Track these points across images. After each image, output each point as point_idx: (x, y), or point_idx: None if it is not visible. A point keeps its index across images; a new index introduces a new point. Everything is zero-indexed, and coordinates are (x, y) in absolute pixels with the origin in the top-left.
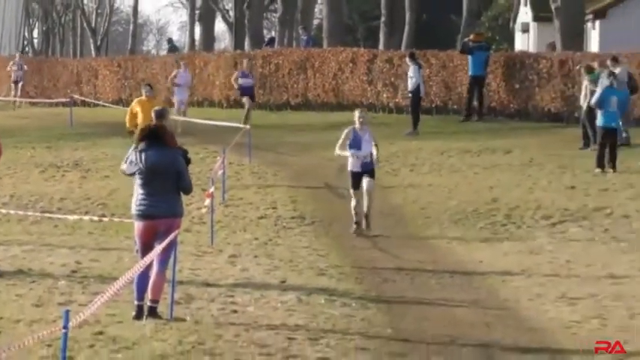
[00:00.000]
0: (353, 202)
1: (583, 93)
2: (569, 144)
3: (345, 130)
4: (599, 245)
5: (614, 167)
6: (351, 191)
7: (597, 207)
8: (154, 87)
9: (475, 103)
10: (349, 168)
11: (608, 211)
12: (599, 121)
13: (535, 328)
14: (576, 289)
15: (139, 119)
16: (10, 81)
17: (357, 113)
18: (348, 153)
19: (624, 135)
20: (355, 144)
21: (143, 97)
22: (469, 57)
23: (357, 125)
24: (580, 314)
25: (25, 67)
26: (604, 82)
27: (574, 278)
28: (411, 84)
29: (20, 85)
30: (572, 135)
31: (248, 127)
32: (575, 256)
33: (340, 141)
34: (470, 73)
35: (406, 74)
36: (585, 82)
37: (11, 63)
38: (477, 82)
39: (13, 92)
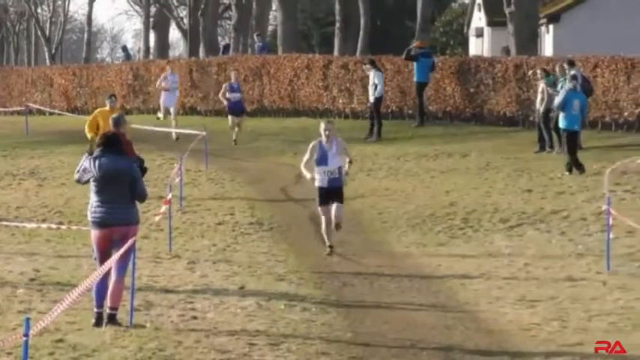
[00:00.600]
0: (323, 225)
1: (539, 97)
2: (525, 147)
3: (311, 145)
4: (556, 248)
5: (570, 170)
6: (319, 209)
7: (554, 210)
8: (117, 97)
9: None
10: (316, 183)
11: (564, 214)
12: (562, 124)
13: (495, 331)
14: (535, 291)
15: (101, 130)
16: None
17: (322, 125)
18: (308, 176)
19: None
20: (322, 159)
21: (106, 108)
22: (414, 64)
23: (323, 139)
24: (539, 316)
25: None
26: (567, 85)
27: (532, 281)
28: (376, 91)
29: None
30: (527, 138)
31: (204, 133)
32: (533, 259)
33: (305, 157)
34: (415, 79)
35: (360, 80)
36: (542, 86)
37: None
38: (422, 88)
39: None
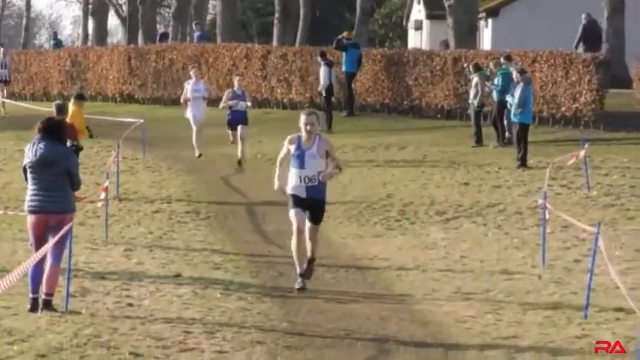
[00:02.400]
0: (293, 241)
1: (473, 91)
2: (462, 140)
3: (287, 138)
4: (492, 241)
5: (524, 164)
6: (291, 212)
7: (490, 203)
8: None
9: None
10: (289, 191)
11: (501, 207)
12: (523, 118)
13: (430, 323)
14: (470, 284)
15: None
16: None
17: (302, 117)
18: (276, 184)
19: (507, 135)
20: (298, 160)
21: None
22: (344, 54)
23: (302, 134)
24: (474, 309)
25: (11, 65)
26: (518, 79)
27: (468, 273)
28: (322, 84)
29: (6, 86)
30: (465, 132)
31: (142, 120)
32: (469, 252)
33: (281, 153)
34: (344, 69)
35: (299, 71)
36: (475, 80)
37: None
38: (350, 78)
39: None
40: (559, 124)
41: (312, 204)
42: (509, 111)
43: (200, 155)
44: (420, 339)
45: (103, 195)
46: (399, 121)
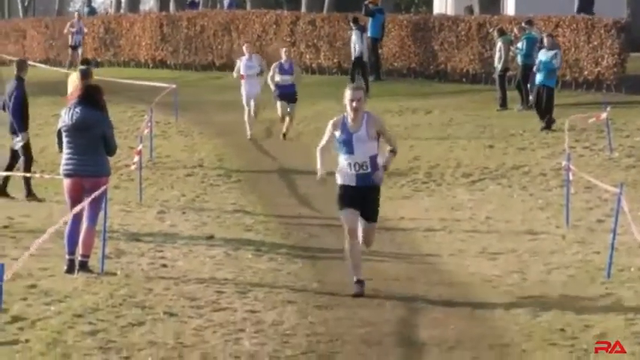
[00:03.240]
0: (346, 246)
1: (497, 55)
2: (487, 104)
3: (330, 122)
4: (517, 202)
5: (549, 126)
6: (341, 214)
7: (515, 165)
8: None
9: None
10: (338, 180)
11: (525, 169)
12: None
13: (457, 282)
14: (496, 244)
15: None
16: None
17: (348, 93)
18: (319, 172)
19: (531, 98)
20: (345, 145)
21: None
22: (370, 19)
23: (348, 114)
24: (500, 269)
25: (85, 29)
26: (553, 45)
27: (494, 234)
28: (357, 50)
29: (80, 51)
30: (490, 96)
31: (174, 86)
32: (494, 213)
33: (323, 139)
34: (369, 34)
35: (327, 37)
36: (499, 45)
37: (68, 25)
38: (376, 43)
39: (69, 59)
40: (581, 88)
41: (366, 193)
42: (534, 74)
43: (251, 137)
44: (447, 298)
45: (136, 159)
46: (425, 85)
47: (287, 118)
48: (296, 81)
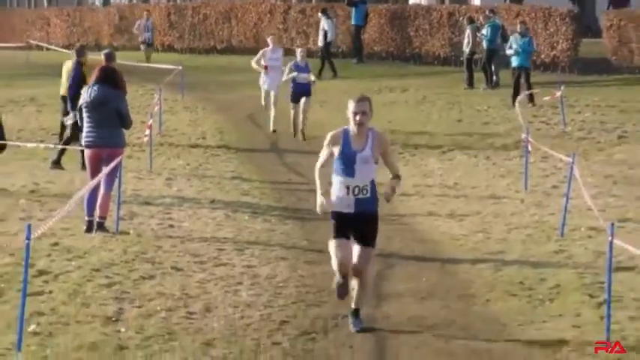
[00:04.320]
0: (336, 276)
1: (465, 41)
2: (456, 84)
3: (329, 136)
4: (482, 170)
5: (532, 100)
6: (332, 244)
7: (480, 138)
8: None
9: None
10: (333, 208)
11: (489, 141)
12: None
13: (428, 240)
14: (463, 207)
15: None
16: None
17: (352, 105)
18: (319, 199)
19: (494, 78)
20: (346, 166)
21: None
22: (353, 9)
23: (351, 127)
24: (466, 229)
25: (151, 27)
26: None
27: (461, 198)
28: (327, 36)
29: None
30: (458, 77)
31: (180, 67)
32: (461, 179)
33: (322, 156)
34: (353, 22)
35: (316, 24)
36: (467, 31)
37: (137, 23)
38: (359, 30)
39: (145, 54)
40: (539, 70)
41: (364, 220)
42: (499, 57)
43: (274, 130)
44: (420, 254)
45: (147, 132)
46: (401, 67)
47: (301, 114)
48: (312, 79)
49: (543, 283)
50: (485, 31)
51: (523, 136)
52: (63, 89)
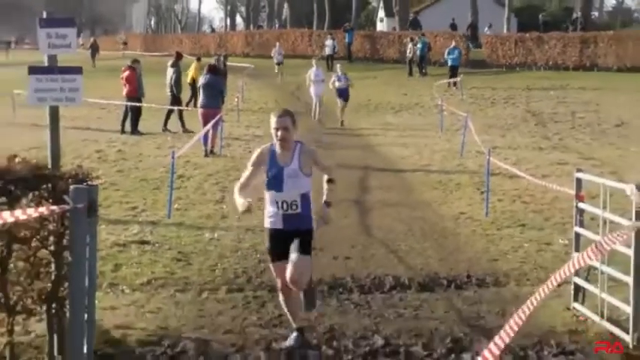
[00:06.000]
0: (281, 298)
1: (408, 51)
2: (402, 74)
3: (255, 154)
4: (418, 121)
5: (455, 84)
6: (271, 266)
7: (416, 104)
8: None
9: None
10: (266, 224)
11: (421, 105)
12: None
13: (387, 158)
14: (407, 141)
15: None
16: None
17: (273, 120)
18: (240, 209)
19: (424, 71)
20: (273, 181)
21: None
22: (346, 34)
23: (275, 143)
24: (409, 152)
25: (282, 51)
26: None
27: (406, 136)
28: (334, 49)
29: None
30: (404, 70)
31: (252, 66)
32: (407, 126)
33: (244, 175)
34: (347, 40)
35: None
36: (409, 46)
37: (274, 50)
38: (349, 46)
39: (279, 71)
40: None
41: (294, 235)
42: (426, 60)
43: (319, 120)
44: (383, 167)
45: (236, 100)
46: (373, 65)
47: (342, 110)
48: (350, 85)
49: (451, 182)
50: (419, 45)
51: (439, 102)
52: (189, 78)
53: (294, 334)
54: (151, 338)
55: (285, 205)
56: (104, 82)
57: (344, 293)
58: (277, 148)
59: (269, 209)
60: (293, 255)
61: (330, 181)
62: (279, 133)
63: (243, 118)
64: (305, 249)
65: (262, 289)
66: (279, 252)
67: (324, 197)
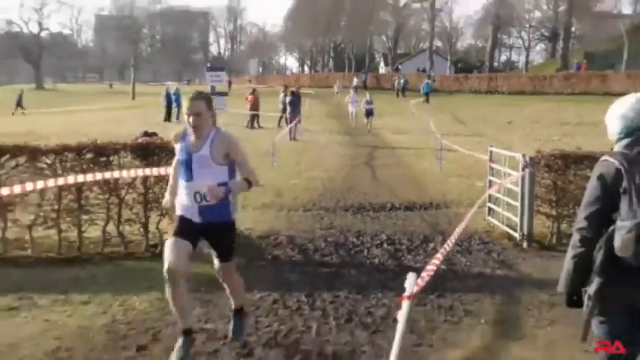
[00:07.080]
0: (167, 291)
1: (396, 83)
2: (393, 97)
3: (174, 133)
4: (406, 120)
5: (427, 101)
6: (165, 246)
7: (401, 110)
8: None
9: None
10: (177, 211)
11: (405, 111)
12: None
13: (388, 143)
14: (402, 129)
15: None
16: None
17: (184, 105)
18: (166, 202)
19: (405, 95)
20: (184, 167)
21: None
22: (362, 75)
23: (188, 128)
24: (403, 138)
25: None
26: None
27: (401, 129)
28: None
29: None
30: (394, 95)
31: (313, 92)
32: (399, 124)
33: (174, 162)
34: (363, 78)
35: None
36: (395, 80)
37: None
38: (365, 81)
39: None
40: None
41: (211, 231)
42: (407, 88)
43: (354, 125)
44: (385, 147)
45: (302, 112)
46: (378, 92)
47: (370, 124)
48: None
49: (421, 153)
50: (401, 80)
51: (413, 111)
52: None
53: (181, 338)
54: (264, 234)
55: (198, 197)
56: (234, 100)
57: (364, 212)
58: (190, 133)
59: (182, 199)
60: (215, 261)
61: (245, 180)
62: (190, 119)
63: (306, 122)
64: (227, 255)
65: (322, 210)
66: (182, 232)
67: (231, 182)
